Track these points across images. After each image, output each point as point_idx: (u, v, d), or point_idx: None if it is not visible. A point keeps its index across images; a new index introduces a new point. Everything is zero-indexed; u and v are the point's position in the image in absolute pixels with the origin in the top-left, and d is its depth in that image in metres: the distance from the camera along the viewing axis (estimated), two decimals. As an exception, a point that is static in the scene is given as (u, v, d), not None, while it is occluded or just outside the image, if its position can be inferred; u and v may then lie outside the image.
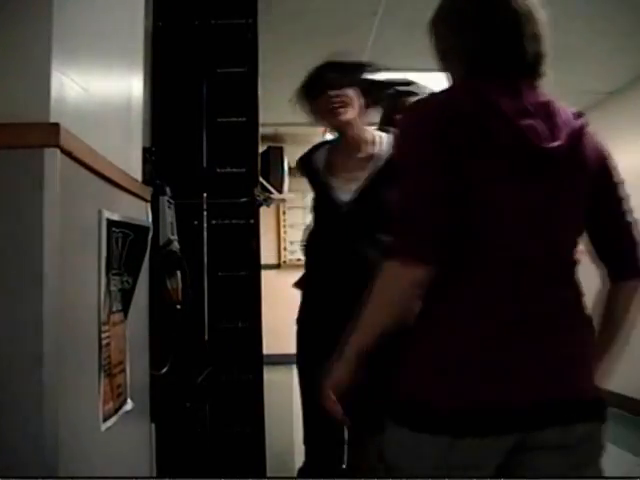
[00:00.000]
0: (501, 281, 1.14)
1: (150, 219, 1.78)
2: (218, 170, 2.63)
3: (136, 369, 1.66)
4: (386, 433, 1.19)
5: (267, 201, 3.99)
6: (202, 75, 2.60)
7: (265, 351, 2.67)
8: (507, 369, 1.09)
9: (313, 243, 2.15)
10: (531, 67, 1.26)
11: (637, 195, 5.47)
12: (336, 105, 2.03)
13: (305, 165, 2.19)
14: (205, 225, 2.59)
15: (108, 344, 1.42)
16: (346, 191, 2.02)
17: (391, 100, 2.19)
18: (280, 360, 4.84)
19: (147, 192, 1.82)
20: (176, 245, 1.94)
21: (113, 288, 1.46)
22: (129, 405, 1.57)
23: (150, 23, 2.24)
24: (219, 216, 2.59)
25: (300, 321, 2.14)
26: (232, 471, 2.48)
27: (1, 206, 1.13)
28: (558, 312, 1.17)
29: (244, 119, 2.64)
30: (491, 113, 1.15)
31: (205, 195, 2.61)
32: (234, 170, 2.61)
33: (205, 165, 2.63)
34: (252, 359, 2.63)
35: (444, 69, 1.33)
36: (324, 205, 2.11)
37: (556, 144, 1.17)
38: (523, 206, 1.15)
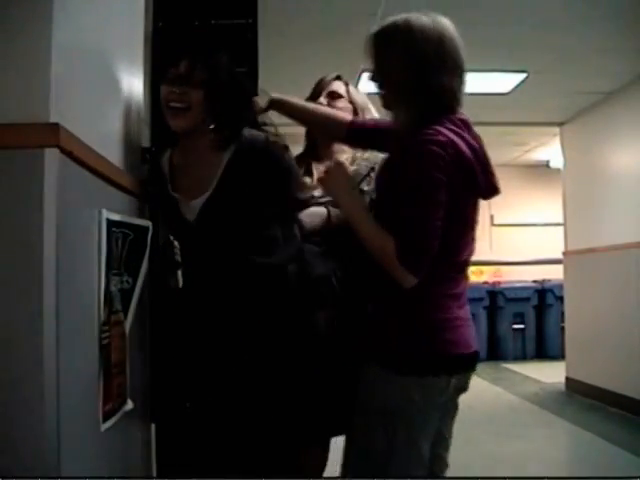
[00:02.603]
0: (460, 282, 1.59)
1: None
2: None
3: (136, 369, 1.66)
4: (389, 384, 1.51)
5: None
6: (202, 75, 2.60)
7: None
8: (466, 332, 1.57)
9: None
10: None
11: (638, 195, 5.49)
12: (174, 106, 1.65)
13: (151, 170, 1.80)
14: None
15: (108, 344, 1.42)
16: (191, 208, 1.71)
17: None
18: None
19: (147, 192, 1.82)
20: (176, 245, 1.94)
21: (113, 288, 1.46)
22: (129, 405, 1.57)
23: (150, 23, 2.23)
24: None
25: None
26: (232, 471, 2.48)
27: (1, 206, 1.13)
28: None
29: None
30: (476, 157, 1.52)
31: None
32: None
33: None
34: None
35: (396, 99, 1.58)
36: (169, 222, 1.78)
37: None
38: (473, 230, 1.60)
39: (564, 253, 6.00)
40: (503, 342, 7.69)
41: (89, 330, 1.35)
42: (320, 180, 1.71)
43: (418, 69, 1.53)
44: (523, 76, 4.57)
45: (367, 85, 5.62)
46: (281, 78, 3.20)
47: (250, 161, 1.68)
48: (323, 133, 1.96)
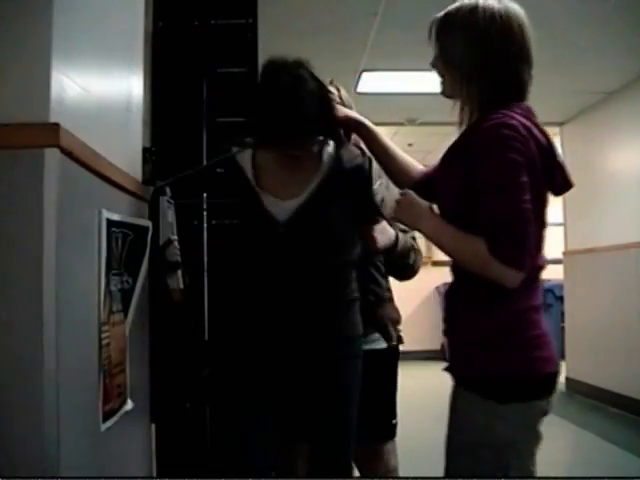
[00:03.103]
0: (538, 291, 1.53)
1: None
2: (218, 170, 2.62)
3: (136, 369, 1.66)
4: (493, 417, 1.38)
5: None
6: (202, 75, 2.60)
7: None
8: (554, 348, 1.48)
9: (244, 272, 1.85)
10: None
11: (638, 195, 5.47)
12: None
13: (228, 169, 1.84)
14: (205, 225, 2.59)
15: (108, 344, 1.42)
16: (281, 209, 1.70)
17: None
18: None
19: (147, 192, 1.83)
20: (176, 245, 1.94)
21: (113, 288, 1.46)
22: (129, 405, 1.57)
23: (150, 23, 2.24)
24: (219, 216, 2.58)
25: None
26: (232, 471, 2.48)
27: (1, 206, 1.13)
28: None
29: (244, 119, 2.64)
30: (549, 145, 1.44)
31: (205, 195, 2.61)
32: (234, 170, 2.60)
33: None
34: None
35: (456, 84, 1.47)
36: (254, 224, 1.78)
37: None
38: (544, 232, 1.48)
39: (564, 253, 6.00)
40: (503, 342, 7.67)
41: (89, 330, 1.35)
42: (393, 216, 1.63)
43: (480, 50, 1.42)
44: (523, 76, 4.58)
45: (366, 85, 5.59)
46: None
47: (353, 177, 1.73)
48: (391, 177, 1.81)
